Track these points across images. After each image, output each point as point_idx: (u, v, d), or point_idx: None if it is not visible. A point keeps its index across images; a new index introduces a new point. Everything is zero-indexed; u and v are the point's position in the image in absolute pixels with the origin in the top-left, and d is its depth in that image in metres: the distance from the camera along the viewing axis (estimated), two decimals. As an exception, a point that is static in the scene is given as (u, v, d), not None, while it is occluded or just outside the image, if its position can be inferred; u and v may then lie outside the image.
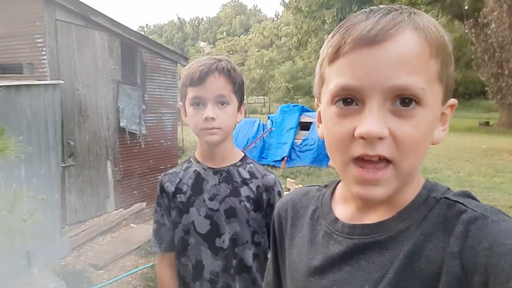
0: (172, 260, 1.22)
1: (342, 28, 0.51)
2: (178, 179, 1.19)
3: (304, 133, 8.90)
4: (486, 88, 11.71)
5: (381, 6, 0.51)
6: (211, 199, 1.13)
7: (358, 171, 0.50)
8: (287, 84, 30.06)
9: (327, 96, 0.52)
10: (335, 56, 0.51)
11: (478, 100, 28.04)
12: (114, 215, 4.84)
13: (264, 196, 1.15)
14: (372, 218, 0.56)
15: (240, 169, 1.16)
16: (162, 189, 1.19)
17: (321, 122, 0.60)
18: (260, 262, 1.17)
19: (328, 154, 0.56)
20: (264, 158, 8.79)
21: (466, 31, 11.93)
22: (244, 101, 1.18)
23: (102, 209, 4.86)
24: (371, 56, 0.47)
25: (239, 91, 1.13)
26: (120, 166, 5.08)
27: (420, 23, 0.48)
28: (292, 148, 8.73)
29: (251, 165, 1.19)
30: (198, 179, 1.16)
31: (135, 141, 5.26)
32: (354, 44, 0.48)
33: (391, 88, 0.47)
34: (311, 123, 8.86)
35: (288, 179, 6.58)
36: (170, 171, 1.24)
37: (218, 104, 1.08)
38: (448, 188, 0.55)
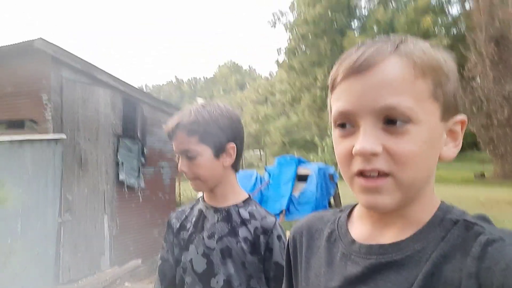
0: None
1: (339, 61, 0.58)
2: (184, 216, 1.20)
3: (301, 185, 8.86)
4: (477, 140, 11.93)
5: (374, 39, 0.57)
6: (209, 237, 1.12)
7: (360, 181, 0.53)
8: (282, 138, 30.52)
9: (332, 121, 0.58)
10: (332, 86, 0.57)
11: (472, 152, 28.43)
12: (109, 274, 4.64)
13: (262, 238, 1.10)
14: (388, 238, 0.57)
15: (241, 210, 1.15)
16: (169, 225, 1.20)
17: None
18: None
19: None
20: (262, 211, 8.66)
21: (452, 85, 12.46)
22: (230, 144, 1.14)
23: (96, 266, 4.67)
24: (358, 83, 0.53)
25: (209, 138, 1.11)
26: (117, 220, 4.98)
27: (404, 49, 0.53)
28: (290, 200, 8.65)
29: (253, 207, 1.17)
30: (200, 217, 1.17)
31: (133, 194, 5.22)
32: (344, 74, 0.54)
33: (380, 109, 0.51)
34: (307, 175, 8.87)
35: (287, 231, 6.44)
36: (180, 208, 1.25)
37: (187, 158, 1.11)
38: (465, 211, 0.57)
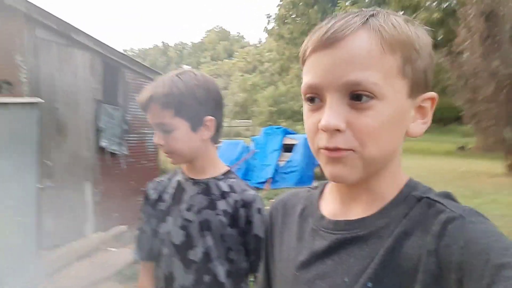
0: (151, 270, 1.19)
1: (310, 34, 0.57)
2: (162, 188, 1.19)
3: (287, 155, 8.94)
4: (461, 114, 12.10)
5: (345, 13, 0.56)
6: (187, 209, 1.11)
7: (324, 152, 0.54)
8: (270, 108, 30.41)
9: (302, 94, 0.58)
10: (303, 58, 0.57)
11: (455, 126, 28.97)
12: (93, 239, 4.65)
13: (242, 212, 1.09)
14: (355, 214, 0.59)
15: (220, 183, 1.13)
16: (147, 196, 1.20)
17: None
18: (235, 281, 1.10)
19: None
20: (248, 180, 8.73)
21: (441, 59, 12.45)
22: (209, 117, 1.10)
23: (80, 232, 4.67)
24: (326, 56, 0.52)
25: (185, 111, 1.05)
26: (100, 187, 4.93)
27: (373, 23, 0.52)
28: (276, 170, 8.73)
29: (233, 180, 1.15)
30: (179, 189, 1.16)
31: (115, 161, 5.15)
32: (313, 47, 0.54)
33: (345, 84, 0.51)
34: (294, 145, 8.92)
35: (271, 200, 6.54)
36: (158, 179, 1.24)
37: (162, 132, 1.07)
38: (430, 188, 0.58)
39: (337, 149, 0.53)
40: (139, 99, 1.11)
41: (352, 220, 0.58)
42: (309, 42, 0.56)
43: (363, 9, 0.56)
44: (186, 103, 1.05)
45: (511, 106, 10.12)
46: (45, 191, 4.18)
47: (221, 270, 1.08)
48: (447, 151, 17.77)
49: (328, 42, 0.52)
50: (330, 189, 0.68)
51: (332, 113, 0.52)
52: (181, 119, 1.06)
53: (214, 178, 1.14)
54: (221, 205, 1.09)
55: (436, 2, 18.48)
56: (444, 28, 17.80)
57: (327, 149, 0.53)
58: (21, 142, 3.57)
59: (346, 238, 0.57)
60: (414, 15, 15.62)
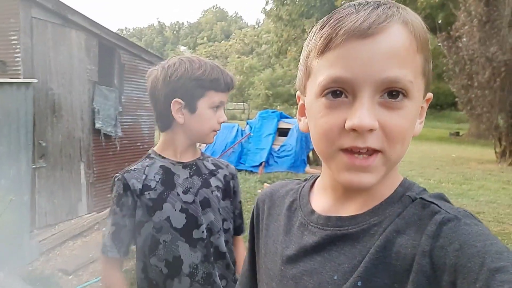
0: (122, 264, 1.20)
1: (332, 20, 0.50)
2: (143, 176, 1.15)
3: (282, 139, 8.96)
4: (456, 99, 12.12)
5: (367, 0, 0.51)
6: (185, 192, 1.15)
7: (348, 158, 0.50)
8: (266, 91, 30.22)
9: (316, 88, 0.52)
10: (325, 48, 0.50)
11: (449, 111, 29.04)
12: (86, 219, 4.71)
13: (231, 184, 1.25)
14: (347, 211, 0.57)
15: (205, 162, 1.24)
16: (127, 187, 1.13)
17: (303, 116, 0.61)
18: (230, 248, 1.23)
19: (314, 145, 0.56)
20: (242, 163, 8.79)
21: (439, 44, 12.37)
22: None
23: (73, 212, 4.72)
24: (364, 48, 0.47)
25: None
26: (94, 169, 4.96)
27: (409, 18, 0.50)
28: (270, 153, 8.77)
29: (211, 158, 1.29)
30: (168, 174, 1.16)
31: (110, 143, 5.16)
32: (347, 36, 0.48)
33: (383, 81, 0.48)
34: (289, 129, 8.94)
35: (265, 184, 6.61)
36: (131, 167, 1.18)
37: (223, 110, 1.20)
38: (424, 189, 0.57)
39: (364, 153, 0.49)
40: (226, 75, 1.16)
41: (344, 216, 0.57)
42: (337, 30, 0.49)
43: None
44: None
45: (505, 93, 10.16)
46: (39, 171, 4.21)
47: (221, 241, 1.19)
48: (441, 136, 17.89)
49: (369, 33, 0.47)
50: (322, 184, 0.65)
51: (366, 112, 0.47)
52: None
53: (198, 159, 1.23)
54: (213, 181, 1.20)
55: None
56: (444, 12, 17.63)
57: (355, 149, 0.49)
58: (15, 122, 3.58)
59: (337, 235, 0.56)
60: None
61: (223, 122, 1.17)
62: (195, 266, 1.12)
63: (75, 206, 4.75)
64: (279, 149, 8.80)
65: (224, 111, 1.19)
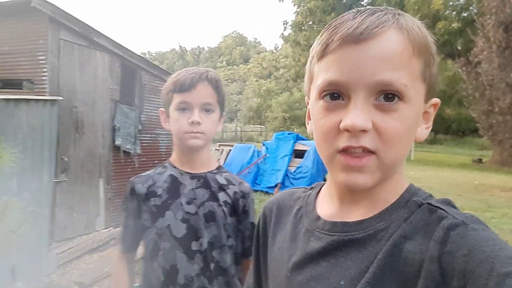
0: (132, 259, 1.25)
1: (331, 27, 0.53)
2: (151, 182, 1.19)
3: (298, 161, 8.94)
4: (478, 125, 11.89)
5: (368, 7, 0.54)
6: (188, 203, 1.16)
7: (344, 158, 0.52)
8: (284, 114, 30.43)
9: (315, 91, 0.55)
10: (323, 53, 0.53)
11: (472, 138, 28.39)
12: (103, 234, 4.79)
13: (241, 202, 1.21)
14: (353, 216, 0.57)
15: (217, 176, 1.23)
16: (132, 191, 1.19)
17: (310, 119, 0.62)
18: (234, 265, 1.21)
19: (316, 148, 0.58)
20: (257, 184, 8.79)
21: (458, 70, 12.30)
22: (224, 114, 1.26)
23: (91, 226, 4.81)
24: (356, 53, 0.49)
25: (222, 102, 1.22)
26: (113, 184, 5.08)
27: (404, 23, 0.51)
28: (285, 175, 8.74)
29: (227, 173, 1.26)
30: (175, 183, 1.19)
31: (129, 160, 5.29)
32: (341, 41, 0.50)
33: (376, 84, 0.49)
34: (305, 151, 8.93)
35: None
36: (143, 174, 1.24)
37: (204, 111, 1.16)
38: (431, 195, 0.57)
39: (359, 153, 0.51)
40: (186, 75, 1.14)
41: (350, 222, 0.56)
42: (333, 36, 0.51)
43: (386, 6, 0.55)
44: (224, 96, 1.22)
45: (528, 119, 9.96)
46: (60, 185, 4.34)
47: (225, 257, 1.17)
48: (463, 163, 17.42)
49: (361, 38, 0.49)
50: (328, 190, 0.66)
51: (359, 113, 0.49)
52: (218, 106, 1.21)
53: (210, 172, 1.23)
54: (222, 196, 1.19)
55: (455, 12, 18.25)
56: (463, 38, 17.59)
57: (347, 150, 0.51)
58: (40, 138, 3.74)
59: (344, 240, 0.55)
60: (433, 24, 15.49)
61: (197, 122, 1.12)
62: (190, 278, 1.12)
63: (93, 221, 4.84)
64: (295, 171, 8.77)
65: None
